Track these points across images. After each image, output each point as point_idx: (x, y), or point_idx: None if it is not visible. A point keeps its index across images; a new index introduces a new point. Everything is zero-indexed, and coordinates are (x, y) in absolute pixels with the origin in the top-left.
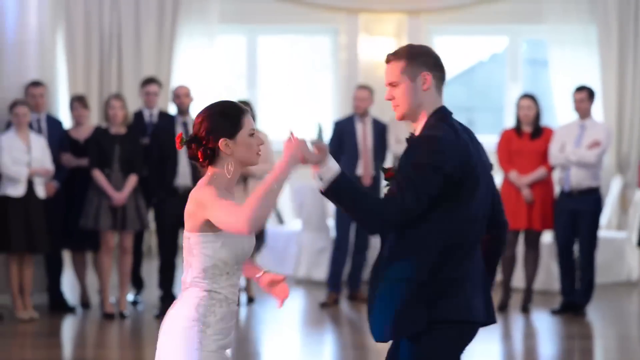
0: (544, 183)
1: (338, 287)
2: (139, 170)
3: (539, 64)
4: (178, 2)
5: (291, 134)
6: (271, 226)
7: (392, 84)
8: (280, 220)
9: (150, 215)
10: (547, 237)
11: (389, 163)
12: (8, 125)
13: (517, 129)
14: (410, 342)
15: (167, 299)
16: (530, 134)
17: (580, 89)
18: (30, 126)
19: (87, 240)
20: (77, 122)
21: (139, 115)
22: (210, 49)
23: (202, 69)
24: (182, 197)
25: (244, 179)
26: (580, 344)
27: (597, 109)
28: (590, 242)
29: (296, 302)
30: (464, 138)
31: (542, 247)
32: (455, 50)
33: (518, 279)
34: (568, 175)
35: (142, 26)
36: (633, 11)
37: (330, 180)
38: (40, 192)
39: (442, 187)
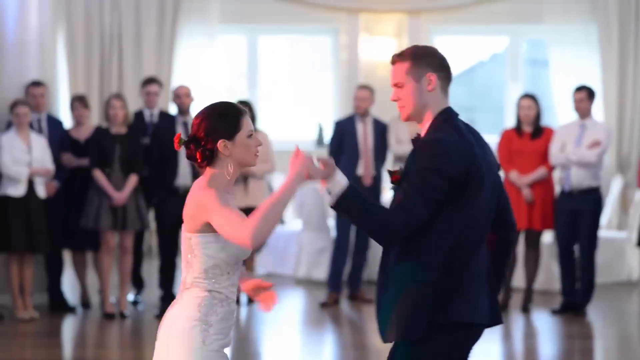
0: (545, 183)
1: (338, 287)
2: (140, 170)
3: (540, 64)
4: (178, 2)
5: (296, 149)
6: None
7: (397, 85)
8: (281, 220)
9: (151, 215)
10: (548, 237)
11: (389, 163)
12: (8, 125)
13: (518, 129)
14: (414, 344)
15: (168, 298)
16: (530, 134)
17: (580, 88)
18: (31, 126)
19: (88, 240)
20: (78, 122)
21: (139, 115)
22: (210, 49)
23: (203, 69)
24: (182, 197)
25: (244, 178)
26: (580, 344)
27: (598, 109)
28: (590, 242)
29: (296, 302)
30: (468, 139)
31: (542, 247)
32: (456, 50)
33: (518, 279)
34: (568, 175)
35: (143, 26)
36: (634, 11)
37: (338, 194)
38: (41, 192)
39: (448, 189)
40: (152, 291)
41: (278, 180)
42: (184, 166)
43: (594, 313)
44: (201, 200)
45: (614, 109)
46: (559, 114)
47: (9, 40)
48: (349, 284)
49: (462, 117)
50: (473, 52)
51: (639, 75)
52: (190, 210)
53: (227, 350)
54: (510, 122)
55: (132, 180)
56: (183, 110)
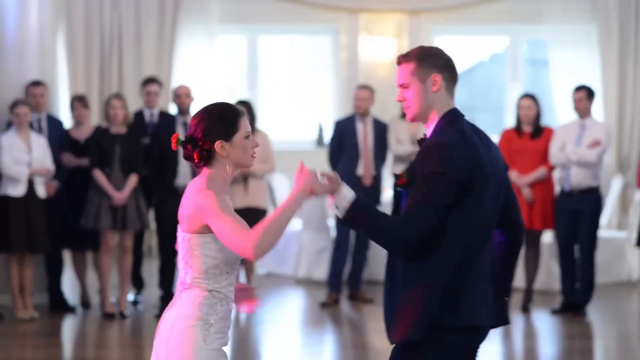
0: (544, 183)
1: (338, 287)
2: (140, 170)
3: (540, 63)
4: (178, 2)
5: (301, 164)
6: None
7: (402, 86)
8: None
9: (151, 215)
10: (548, 237)
11: (389, 163)
12: (9, 125)
13: (518, 129)
14: (420, 346)
15: (168, 298)
16: (530, 134)
17: (579, 88)
18: (31, 126)
19: (88, 240)
20: (78, 121)
21: (139, 115)
22: (210, 48)
23: (203, 69)
24: (182, 197)
25: (244, 178)
26: (580, 344)
27: (598, 109)
28: (590, 241)
29: (296, 302)
30: (472, 140)
31: (542, 246)
32: (456, 50)
33: (518, 279)
34: (568, 174)
35: (143, 26)
36: (634, 11)
37: (346, 208)
38: (41, 191)
39: (455, 192)
40: (152, 291)
41: (278, 180)
42: (184, 166)
43: (594, 313)
44: (201, 202)
45: (614, 109)
46: (559, 114)
47: (9, 40)
48: (349, 284)
49: None
50: (473, 52)
51: (639, 75)
52: (188, 211)
53: (226, 350)
54: (510, 122)
55: (132, 180)
56: (183, 110)
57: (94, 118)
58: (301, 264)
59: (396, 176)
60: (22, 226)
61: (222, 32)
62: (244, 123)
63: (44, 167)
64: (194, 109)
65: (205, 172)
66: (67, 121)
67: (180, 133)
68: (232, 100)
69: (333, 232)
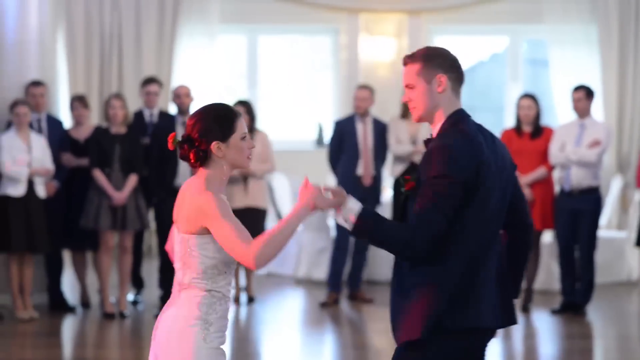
0: (544, 182)
1: (338, 287)
2: (139, 170)
3: (540, 63)
4: (178, 2)
5: (305, 180)
6: (271, 225)
7: (408, 86)
8: (281, 219)
9: (151, 215)
10: (548, 237)
11: (389, 163)
12: (8, 125)
13: (517, 129)
14: (425, 347)
15: (167, 298)
16: (530, 134)
17: (578, 88)
18: (31, 126)
19: (87, 240)
20: (78, 121)
21: (139, 115)
22: (210, 48)
23: (203, 69)
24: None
25: (244, 178)
26: (580, 344)
27: (598, 109)
28: (590, 241)
29: (296, 302)
30: (477, 139)
31: (542, 246)
32: (456, 50)
33: None
34: (568, 174)
35: (143, 26)
36: (634, 11)
37: (354, 221)
38: (41, 191)
39: (462, 194)
40: (152, 291)
41: (278, 180)
42: (183, 166)
43: (594, 313)
44: (200, 205)
45: (614, 109)
46: (559, 114)
47: (9, 40)
48: (348, 284)
49: None
50: (473, 52)
51: (639, 75)
52: (187, 212)
53: (225, 348)
54: (510, 122)
55: (132, 180)
56: (183, 110)
57: (94, 118)
58: (301, 264)
59: (404, 180)
60: (22, 226)
61: (222, 32)
62: (241, 124)
63: (44, 167)
64: (194, 109)
65: (202, 172)
66: (67, 121)
67: (180, 133)
68: (232, 100)
69: (333, 232)
